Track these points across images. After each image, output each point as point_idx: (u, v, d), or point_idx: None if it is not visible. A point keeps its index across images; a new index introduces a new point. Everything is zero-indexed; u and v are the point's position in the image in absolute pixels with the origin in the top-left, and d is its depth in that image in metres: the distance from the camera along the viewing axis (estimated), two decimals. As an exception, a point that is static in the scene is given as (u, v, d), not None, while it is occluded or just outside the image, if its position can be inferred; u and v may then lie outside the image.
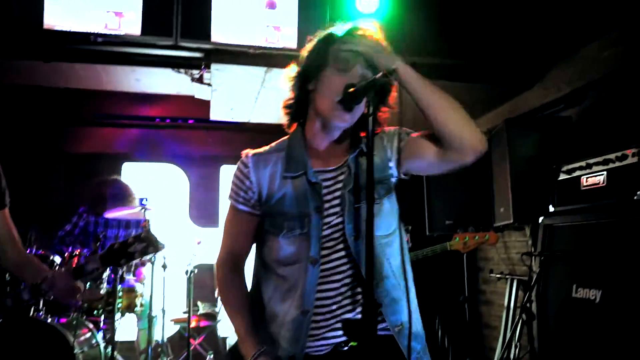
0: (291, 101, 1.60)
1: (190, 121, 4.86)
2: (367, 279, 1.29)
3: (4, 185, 1.98)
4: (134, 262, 4.07)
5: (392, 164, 1.57)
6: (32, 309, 3.33)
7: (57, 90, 3.91)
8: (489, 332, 4.42)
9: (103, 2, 2.94)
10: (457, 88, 3.63)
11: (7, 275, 3.20)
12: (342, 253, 1.48)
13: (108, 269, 3.76)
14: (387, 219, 1.53)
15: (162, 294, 4.24)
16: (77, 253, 3.70)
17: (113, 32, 2.96)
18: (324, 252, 1.47)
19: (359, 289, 1.47)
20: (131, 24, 2.98)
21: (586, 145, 3.04)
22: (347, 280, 1.47)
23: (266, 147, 1.61)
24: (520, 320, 2.98)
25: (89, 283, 3.68)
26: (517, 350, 3.19)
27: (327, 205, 1.50)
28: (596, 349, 2.44)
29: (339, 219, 1.49)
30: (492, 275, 4.11)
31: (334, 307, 1.46)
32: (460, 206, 4.01)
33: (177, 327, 4.79)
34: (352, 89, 1.43)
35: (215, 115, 4.17)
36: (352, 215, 1.48)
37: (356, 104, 1.46)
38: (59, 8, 2.88)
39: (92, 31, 2.94)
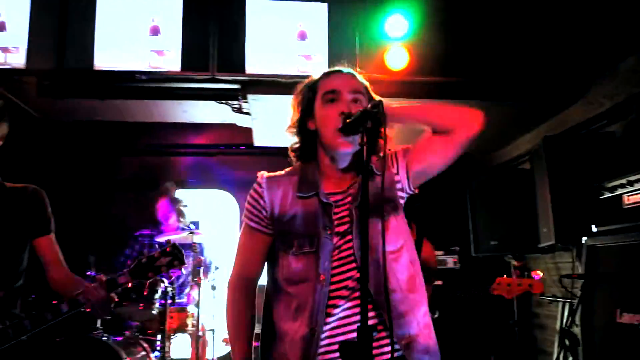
0: (298, 145, 1.67)
1: (242, 147, 5.05)
2: (362, 304, 1.26)
3: (49, 213, 2.19)
4: (181, 281, 4.30)
5: (399, 179, 1.62)
6: (90, 328, 3.59)
7: (113, 123, 4.23)
8: (543, 358, 4.20)
9: (146, 43, 3.19)
10: (498, 107, 3.60)
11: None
12: (351, 273, 1.49)
13: (160, 291, 3.98)
14: (395, 235, 1.55)
15: (212, 315, 4.39)
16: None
17: (156, 70, 3.19)
18: (333, 271, 1.49)
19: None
20: (172, 62, 3.20)
21: (631, 161, 2.88)
22: (355, 300, 1.47)
23: (281, 172, 1.68)
24: (564, 346, 2.83)
25: (142, 304, 3.90)
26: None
27: (336, 223, 1.54)
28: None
29: (348, 237, 1.52)
30: (543, 297, 3.93)
31: (342, 326, 1.47)
32: (506, 226, 3.88)
33: (228, 348, 4.93)
34: (349, 120, 1.47)
35: (258, 141, 4.34)
36: (359, 231, 1.48)
37: (355, 133, 1.49)
38: (107, 51, 3.15)
39: (137, 69, 3.19)
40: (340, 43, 3.30)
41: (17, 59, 3.10)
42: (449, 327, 4.40)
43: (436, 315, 4.56)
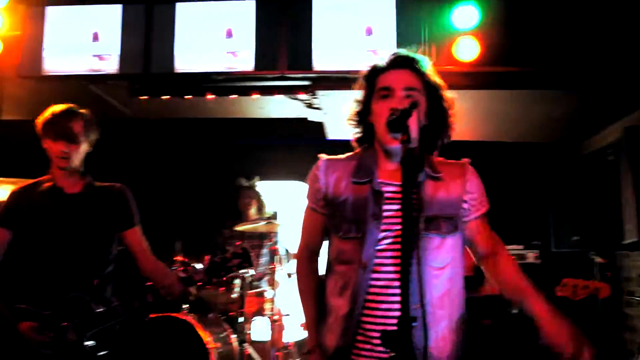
0: (359, 135, 1.74)
1: (315, 140, 5.19)
2: (402, 299, 1.28)
3: (134, 209, 2.45)
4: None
5: (466, 207, 1.63)
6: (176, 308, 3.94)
7: (197, 120, 4.56)
8: (631, 362, 3.94)
9: (222, 45, 3.40)
10: (577, 97, 3.42)
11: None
12: (393, 264, 1.53)
13: (239, 279, 4.25)
14: (445, 254, 1.58)
15: (289, 300, 4.59)
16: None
17: (230, 70, 3.40)
18: (377, 260, 1.55)
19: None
20: (245, 62, 3.39)
21: None
22: (395, 289, 1.51)
23: (342, 155, 1.76)
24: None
25: (223, 287, 4.20)
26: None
27: (386, 214, 1.58)
28: None
29: (397, 232, 1.54)
30: (632, 298, 3.69)
31: (380, 312, 1.53)
32: (589, 221, 3.70)
33: (304, 333, 5.14)
34: (392, 116, 1.46)
35: (331, 135, 4.46)
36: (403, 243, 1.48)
37: (399, 131, 1.45)
38: (187, 55, 3.41)
39: (215, 70, 3.42)
40: (408, 36, 3.29)
41: (110, 66, 3.45)
42: (528, 325, 4.28)
43: (515, 311, 4.46)
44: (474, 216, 1.65)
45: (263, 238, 4.77)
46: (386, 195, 1.60)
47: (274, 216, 4.43)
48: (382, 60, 1.68)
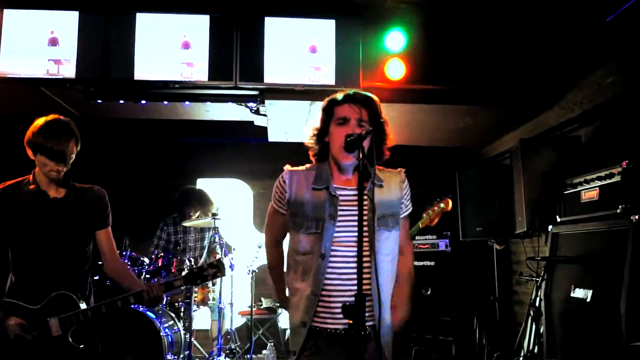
0: (315, 149, 2.17)
1: (256, 142, 5.59)
2: (358, 280, 1.75)
3: (109, 209, 2.62)
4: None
5: (402, 207, 2.15)
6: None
7: (145, 120, 4.76)
8: (519, 330, 4.77)
9: (178, 56, 3.69)
10: (485, 111, 4.12)
11: (107, 281, 4.03)
12: (349, 253, 1.98)
13: (185, 269, 4.53)
14: (392, 244, 2.08)
15: (230, 290, 4.95)
16: (162, 255, 4.51)
17: (187, 79, 3.70)
18: (332, 251, 1.98)
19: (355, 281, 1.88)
20: (200, 72, 3.71)
21: (592, 163, 3.40)
22: (349, 274, 1.96)
23: (301, 167, 2.17)
24: (531, 317, 3.39)
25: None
26: (531, 343, 3.59)
27: (341, 213, 2.01)
28: (587, 344, 2.84)
29: (353, 230, 1.96)
30: (521, 277, 4.49)
31: (337, 292, 1.98)
32: (490, 214, 4.43)
33: (243, 319, 5.52)
34: (349, 139, 1.97)
35: (272, 137, 4.87)
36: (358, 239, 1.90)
37: (355, 150, 1.95)
38: (145, 64, 3.66)
39: (171, 79, 3.70)
40: (346, 56, 3.78)
41: (69, 70, 3.61)
42: (439, 303, 5.00)
43: (428, 292, 5.15)
44: (403, 215, 2.18)
45: (205, 231, 5.09)
46: (341, 198, 2.04)
47: (216, 212, 4.73)
48: (339, 95, 2.11)
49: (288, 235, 2.19)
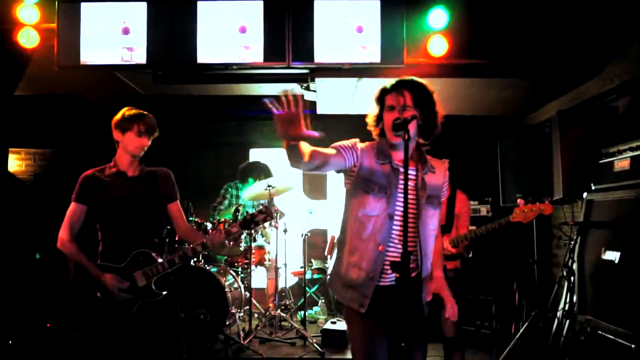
0: (376, 132, 2.47)
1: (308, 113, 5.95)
2: (403, 242, 2.07)
3: (176, 187, 3.05)
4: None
5: (444, 191, 2.46)
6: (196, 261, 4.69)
7: (202, 97, 5.19)
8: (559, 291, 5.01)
9: (236, 40, 4.03)
10: (525, 83, 4.29)
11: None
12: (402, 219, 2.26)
13: (245, 234, 5.00)
14: (435, 221, 2.39)
15: (284, 252, 5.40)
16: (223, 221, 4.99)
17: (244, 62, 4.05)
18: (396, 215, 2.28)
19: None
20: (256, 55, 4.04)
21: (626, 133, 3.56)
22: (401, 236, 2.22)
23: (367, 142, 2.45)
24: (564, 277, 3.64)
25: (231, 243, 4.94)
26: (564, 301, 3.86)
27: (401, 186, 2.28)
28: (615, 302, 3.10)
29: (412, 199, 2.29)
30: (559, 241, 4.71)
31: (394, 249, 2.29)
32: (529, 181, 4.63)
33: (296, 279, 6.00)
34: (396, 122, 2.26)
35: (320, 110, 5.20)
36: (420, 207, 2.32)
37: (401, 131, 2.23)
38: (208, 48, 4.04)
39: (230, 62, 4.06)
40: (391, 34, 4.02)
41: (140, 57, 4.03)
42: (480, 265, 5.29)
43: (470, 255, 5.44)
44: (443, 198, 2.47)
45: (261, 200, 5.53)
46: (401, 170, 2.31)
47: (270, 184, 5.11)
48: (388, 84, 2.38)
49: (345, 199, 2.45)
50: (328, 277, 5.94)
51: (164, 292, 2.87)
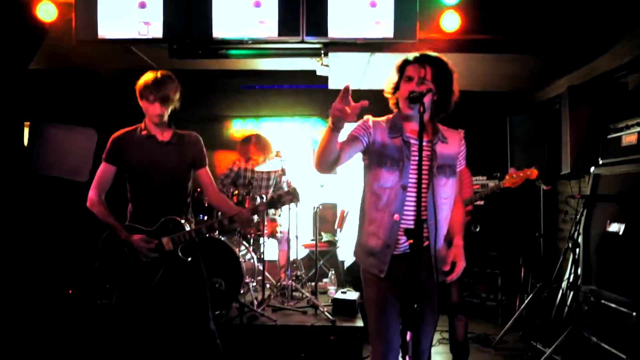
0: (392, 101, 2.54)
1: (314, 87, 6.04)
2: (417, 210, 2.21)
3: (205, 152, 3.12)
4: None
5: (459, 158, 2.52)
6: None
7: (215, 71, 5.27)
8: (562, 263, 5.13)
9: (251, 15, 4.09)
10: (536, 58, 4.32)
11: (200, 215, 4.70)
12: (416, 191, 2.37)
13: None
14: (448, 190, 2.45)
15: (296, 225, 5.52)
16: (236, 193, 5.11)
17: (258, 37, 4.11)
18: (409, 186, 2.37)
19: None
20: (270, 29, 4.10)
21: (635, 109, 3.62)
22: (415, 205, 2.35)
23: (379, 118, 2.53)
24: (569, 249, 3.76)
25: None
26: (568, 272, 3.98)
27: (413, 157, 2.39)
28: (618, 272, 3.21)
29: (423, 169, 2.32)
30: (566, 216, 4.81)
31: (408, 218, 2.37)
32: (538, 157, 4.70)
33: (306, 251, 6.15)
34: (412, 95, 2.33)
35: (332, 85, 5.26)
36: (431, 177, 2.38)
37: (416, 104, 2.30)
38: (222, 23, 4.09)
39: (244, 37, 4.12)
40: (404, 10, 4.04)
41: (156, 31, 4.10)
42: (487, 239, 5.41)
43: (477, 229, 5.56)
44: (460, 168, 2.55)
45: (270, 172, 5.66)
46: (412, 143, 2.40)
47: (281, 156, 5.20)
48: (410, 55, 2.43)
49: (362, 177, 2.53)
50: (337, 248, 6.10)
51: (189, 259, 2.97)
